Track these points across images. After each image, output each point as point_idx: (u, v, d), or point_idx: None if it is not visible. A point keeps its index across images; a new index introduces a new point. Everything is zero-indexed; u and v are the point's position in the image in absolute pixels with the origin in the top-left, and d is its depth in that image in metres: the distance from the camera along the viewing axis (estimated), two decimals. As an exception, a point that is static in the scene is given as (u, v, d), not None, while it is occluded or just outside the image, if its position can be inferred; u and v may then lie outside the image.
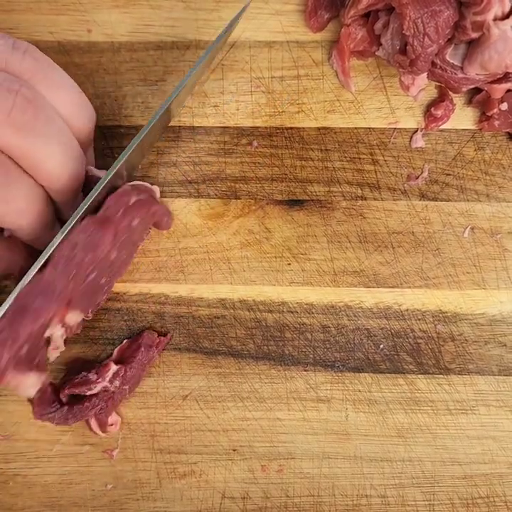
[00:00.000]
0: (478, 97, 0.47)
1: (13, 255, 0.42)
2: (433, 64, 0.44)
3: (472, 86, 0.45)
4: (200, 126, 0.48)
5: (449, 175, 0.48)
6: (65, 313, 0.39)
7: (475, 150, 0.48)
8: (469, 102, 0.48)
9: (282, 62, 0.49)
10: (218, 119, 0.48)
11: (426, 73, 0.45)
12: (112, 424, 0.45)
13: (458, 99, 0.48)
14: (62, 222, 0.41)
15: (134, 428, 0.46)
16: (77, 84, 0.39)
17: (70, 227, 0.38)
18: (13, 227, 0.38)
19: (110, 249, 0.40)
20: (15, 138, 0.35)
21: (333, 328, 0.46)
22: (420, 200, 0.47)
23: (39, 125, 0.36)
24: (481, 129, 0.48)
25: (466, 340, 0.46)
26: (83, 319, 0.43)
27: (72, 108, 0.38)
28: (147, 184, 0.45)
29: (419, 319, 0.46)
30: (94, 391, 0.43)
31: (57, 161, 0.37)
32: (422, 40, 0.42)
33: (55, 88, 0.37)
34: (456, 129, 0.48)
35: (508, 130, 0.47)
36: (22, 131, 0.35)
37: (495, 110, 0.46)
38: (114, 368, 0.44)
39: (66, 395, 0.43)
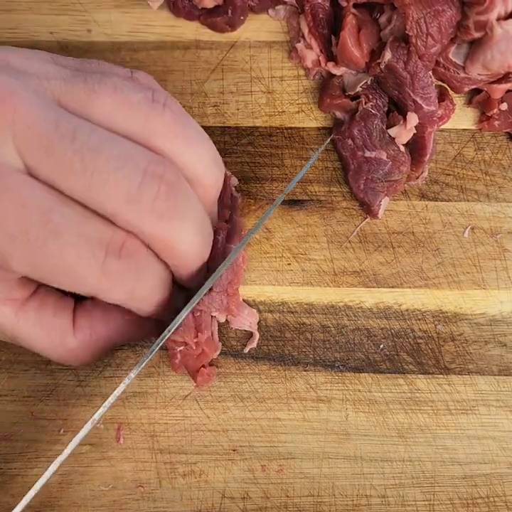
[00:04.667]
0: (478, 97, 0.47)
1: (139, 329, 0.42)
2: (436, 63, 0.44)
3: (474, 86, 0.46)
4: (201, 126, 0.48)
5: (449, 175, 0.48)
6: None
7: (475, 150, 0.48)
8: (469, 102, 0.48)
9: (282, 62, 0.49)
10: (218, 119, 0.48)
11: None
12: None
13: (458, 99, 0.48)
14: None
15: (134, 428, 0.45)
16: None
17: (197, 300, 0.38)
18: (135, 310, 0.38)
19: None
20: (155, 226, 0.34)
21: (333, 328, 0.46)
22: (420, 200, 0.47)
23: (178, 210, 0.34)
24: (481, 129, 0.48)
25: (466, 340, 0.46)
26: None
27: (204, 166, 0.37)
28: None
29: (419, 319, 0.46)
30: None
31: (190, 242, 0.36)
32: (425, 40, 0.42)
33: (190, 145, 0.36)
34: (456, 129, 0.48)
35: (508, 130, 0.47)
36: (163, 220, 0.34)
37: (495, 110, 0.46)
38: None
39: None
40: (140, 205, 0.33)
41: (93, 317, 0.40)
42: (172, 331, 0.38)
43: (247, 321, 0.46)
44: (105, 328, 0.40)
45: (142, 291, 0.36)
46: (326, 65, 0.47)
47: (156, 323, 0.41)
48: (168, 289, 0.38)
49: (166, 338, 0.38)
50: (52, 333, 0.39)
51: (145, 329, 0.42)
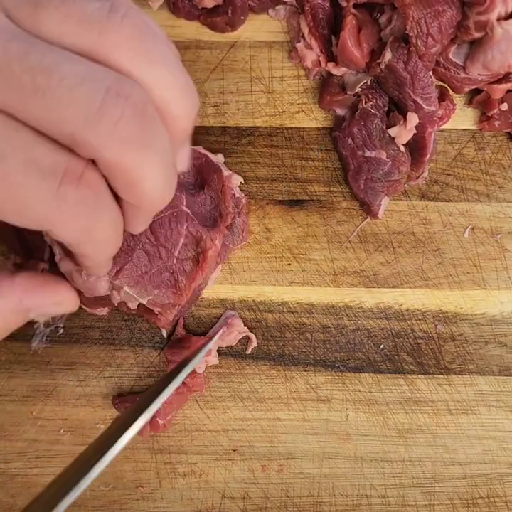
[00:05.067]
0: (478, 98, 0.47)
1: None
2: (436, 63, 0.44)
3: (474, 86, 0.46)
4: (201, 126, 0.48)
5: (450, 175, 0.48)
6: None
7: (475, 150, 0.48)
8: (470, 102, 0.48)
9: (282, 62, 0.49)
10: (218, 119, 0.48)
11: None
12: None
13: (458, 100, 0.48)
14: None
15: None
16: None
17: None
18: (84, 253, 0.34)
19: None
20: (116, 152, 0.30)
21: (333, 328, 0.46)
22: (420, 200, 0.47)
23: (144, 138, 0.30)
24: (481, 129, 0.48)
25: (466, 340, 0.46)
26: None
27: (171, 92, 0.31)
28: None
29: (419, 319, 0.46)
30: None
31: (154, 179, 0.31)
32: (425, 40, 0.42)
33: (154, 66, 0.30)
34: (457, 129, 0.48)
35: (508, 130, 0.47)
36: (126, 145, 0.29)
37: (495, 110, 0.46)
38: None
39: None
40: (100, 127, 0.29)
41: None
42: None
43: (233, 338, 0.46)
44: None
45: (98, 231, 0.32)
46: (326, 65, 0.47)
47: None
48: (120, 238, 0.34)
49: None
50: None
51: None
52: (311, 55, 0.47)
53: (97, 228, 0.32)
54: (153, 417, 0.44)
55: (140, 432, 0.44)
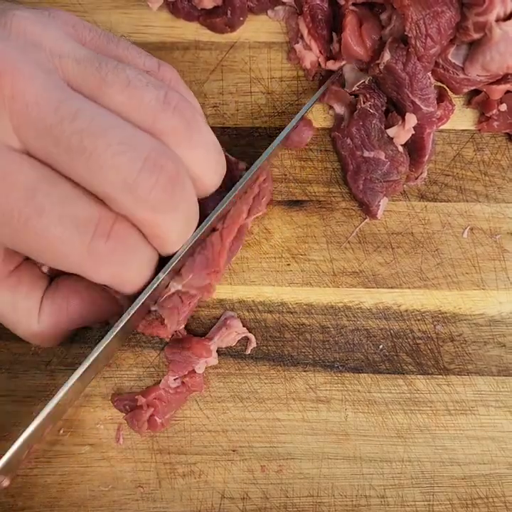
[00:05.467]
0: (477, 98, 0.47)
1: (111, 305, 0.41)
2: (435, 64, 0.44)
3: (473, 87, 0.46)
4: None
5: (449, 175, 0.48)
6: None
7: (474, 151, 0.48)
8: (468, 102, 0.48)
9: (281, 63, 0.49)
10: (218, 120, 0.48)
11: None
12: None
13: (457, 100, 0.48)
14: None
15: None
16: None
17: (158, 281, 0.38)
18: (119, 290, 0.38)
19: None
20: (148, 215, 0.34)
21: (332, 329, 0.46)
22: (419, 200, 0.47)
23: (173, 202, 0.34)
24: (480, 130, 0.48)
25: (465, 340, 0.46)
26: None
27: (208, 168, 0.37)
28: None
29: (418, 320, 0.46)
30: None
31: (179, 233, 0.37)
32: (424, 41, 0.42)
33: (196, 149, 0.36)
34: (456, 130, 0.48)
35: (507, 131, 0.47)
36: (156, 210, 0.34)
37: (494, 111, 0.46)
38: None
39: None
40: (136, 194, 0.33)
41: (55, 301, 0.40)
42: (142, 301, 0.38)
43: (232, 339, 0.46)
44: (66, 311, 0.40)
45: (129, 273, 0.36)
46: (325, 65, 0.47)
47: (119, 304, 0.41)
48: (153, 270, 0.38)
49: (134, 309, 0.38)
50: (20, 314, 0.40)
51: (110, 310, 0.42)
52: (310, 55, 0.47)
53: (128, 272, 0.36)
54: (151, 415, 0.44)
55: (138, 429, 0.44)
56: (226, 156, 0.42)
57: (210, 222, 0.40)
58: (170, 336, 0.44)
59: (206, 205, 0.41)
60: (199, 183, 0.37)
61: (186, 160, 0.36)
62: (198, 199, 0.38)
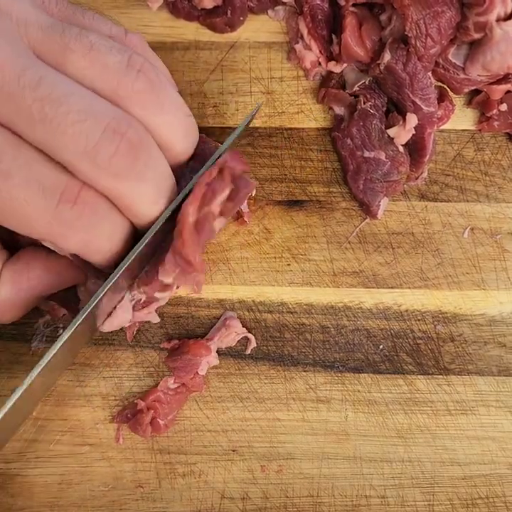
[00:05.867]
0: (477, 98, 0.47)
1: (73, 272, 0.41)
2: (436, 64, 0.44)
3: (473, 87, 0.46)
4: (200, 127, 0.48)
5: (449, 175, 0.48)
6: None
7: (475, 151, 0.48)
8: (469, 102, 0.48)
9: (282, 62, 0.49)
10: (218, 120, 0.48)
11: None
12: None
13: (458, 100, 0.48)
14: None
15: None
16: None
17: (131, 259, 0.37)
18: (89, 260, 0.37)
19: None
20: (110, 182, 0.34)
21: (332, 329, 0.46)
22: (420, 200, 0.47)
23: (138, 169, 0.34)
24: (480, 130, 0.48)
25: (465, 340, 0.46)
26: None
27: (176, 133, 0.37)
28: None
29: (418, 320, 0.46)
30: None
31: (150, 203, 0.36)
32: (424, 41, 0.42)
33: (163, 112, 0.36)
34: (456, 130, 0.48)
35: (507, 131, 0.47)
36: (118, 178, 0.34)
37: (494, 111, 0.46)
38: None
39: None
40: (96, 161, 0.33)
41: (16, 268, 0.40)
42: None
43: (232, 340, 0.46)
44: (27, 278, 0.40)
45: (98, 241, 0.36)
46: (326, 66, 0.47)
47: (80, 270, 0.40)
48: (128, 241, 0.38)
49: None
50: None
51: (72, 277, 0.41)
52: (310, 55, 0.47)
53: (96, 240, 0.35)
54: (153, 418, 0.44)
55: (142, 433, 0.44)
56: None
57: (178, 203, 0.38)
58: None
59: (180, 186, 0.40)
60: (169, 150, 0.37)
61: (153, 125, 0.35)
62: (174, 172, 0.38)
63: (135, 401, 0.45)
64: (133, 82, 0.34)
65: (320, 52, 0.47)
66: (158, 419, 0.44)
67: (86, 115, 0.33)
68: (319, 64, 0.48)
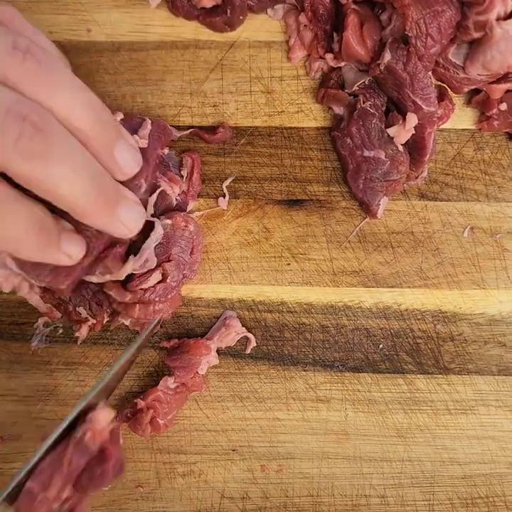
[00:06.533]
0: (477, 97, 0.47)
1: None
2: (436, 63, 0.44)
3: (473, 86, 0.45)
4: (200, 126, 0.48)
5: (449, 175, 0.48)
6: None
7: (474, 150, 0.48)
8: (469, 102, 0.48)
9: (281, 62, 0.49)
10: (217, 119, 0.48)
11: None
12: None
13: (457, 99, 0.48)
14: None
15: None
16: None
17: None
18: (12, 252, 0.37)
19: None
20: (23, 167, 0.33)
21: (332, 328, 0.46)
22: (420, 199, 0.47)
23: (45, 150, 0.34)
24: (480, 129, 0.48)
25: (465, 340, 0.46)
26: None
27: (77, 110, 0.36)
28: None
29: (418, 319, 0.46)
30: None
31: (69, 186, 0.35)
32: (424, 40, 0.42)
33: (57, 90, 0.35)
34: (456, 129, 0.48)
35: (507, 130, 0.47)
36: (30, 160, 0.33)
37: (494, 110, 0.46)
38: None
39: None
40: (3, 146, 0.33)
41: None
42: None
43: (231, 340, 0.46)
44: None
45: (9, 231, 0.35)
46: (324, 54, 0.47)
47: None
48: (52, 233, 0.37)
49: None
50: None
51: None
52: (302, 51, 0.48)
53: (6, 228, 0.35)
54: (153, 417, 0.44)
55: (141, 433, 0.44)
56: None
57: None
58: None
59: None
60: (76, 128, 0.36)
61: (51, 104, 0.35)
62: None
63: (135, 400, 0.45)
64: (21, 65, 0.34)
65: (321, 48, 0.47)
66: (158, 419, 0.44)
67: None
68: (320, 60, 0.47)
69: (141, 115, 0.44)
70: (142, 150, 0.42)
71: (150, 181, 0.43)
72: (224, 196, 0.47)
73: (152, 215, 0.44)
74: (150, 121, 0.44)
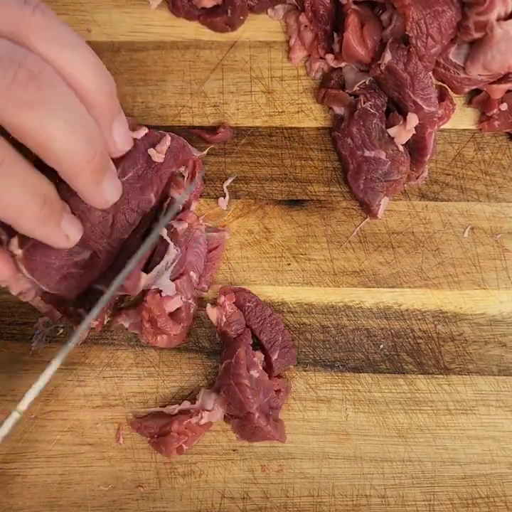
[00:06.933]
0: (478, 98, 0.47)
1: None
2: (436, 63, 0.44)
3: (474, 86, 0.46)
4: (200, 126, 0.48)
5: (449, 175, 0.48)
6: None
7: (475, 150, 0.48)
8: (469, 102, 0.48)
9: (282, 62, 0.49)
10: (218, 119, 0.48)
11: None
12: None
13: (458, 100, 0.48)
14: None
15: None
16: None
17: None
18: (11, 223, 0.36)
19: None
20: (15, 113, 0.32)
21: (332, 328, 0.46)
22: (420, 200, 0.47)
23: (41, 100, 0.32)
24: (481, 129, 0.48)
25: (466, 340, 0.46)
26: None
27: (84, 67, 0.35)
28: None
29: (419, 319, 0.46)
30: None
31: (65, 141, 0.34)
32: (425, 40, 0.42)
33: (65, 46, 0.34)
34: (456, 129, 0.48)
35: (507, 130, 0.47)
36: (23, 107, 0.32)
37: (495, 110, 0.46)
38: None
39: None
40: None
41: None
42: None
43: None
44: None
45: (14, 198, 0.34)
46: (324, 54, 0.47)
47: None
48: (55, 209, 0.37)
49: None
50: None
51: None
52: (302, 52, 0.48)
53: (5, 196, 0.34)
54: (181, 443, 0.44)
55: (165, 454, 0.44)
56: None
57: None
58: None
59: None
60: (80, 87, 0.35)
61: (57, 60, 0.34)
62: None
63: (168, 426, 0.44)
64: (31, 17, 0.34)
65: (321, 47, 0.47)
66: (183, 444, 0.44)
67: None
68: (320, 60, 0.47)
69: (162, 131, 0.44)
70: (157, 165, 0.43)
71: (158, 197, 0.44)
72: (224, 196, 0.47)
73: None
74: (169, 138, 0.44)
